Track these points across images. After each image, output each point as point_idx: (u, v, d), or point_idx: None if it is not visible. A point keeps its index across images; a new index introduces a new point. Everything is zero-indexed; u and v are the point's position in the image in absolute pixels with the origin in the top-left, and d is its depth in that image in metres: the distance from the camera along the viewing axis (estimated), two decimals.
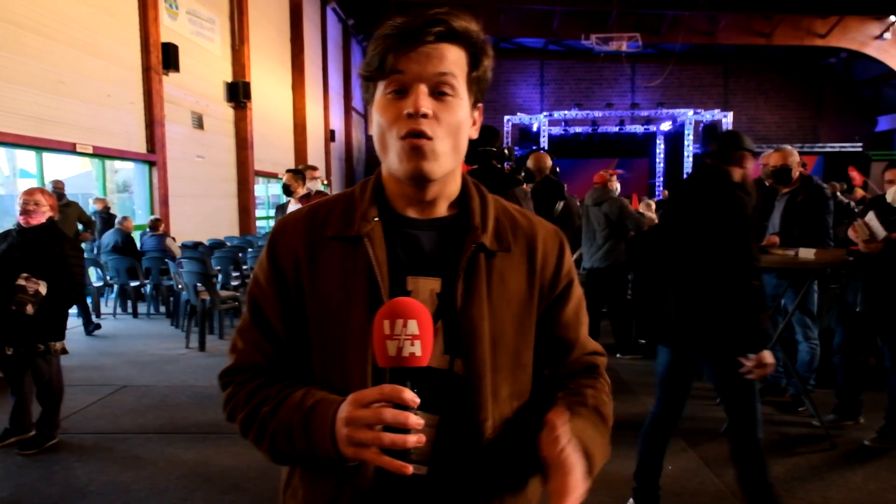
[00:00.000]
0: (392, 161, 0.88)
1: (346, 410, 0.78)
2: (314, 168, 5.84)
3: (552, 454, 0.82)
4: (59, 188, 6.68)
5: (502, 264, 0.94)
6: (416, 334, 0.76)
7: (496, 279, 0.92)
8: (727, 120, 17.24)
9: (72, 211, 6.77)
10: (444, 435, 0.89)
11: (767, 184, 4.91)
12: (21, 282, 3.33)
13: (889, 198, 3.50)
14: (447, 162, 0.88)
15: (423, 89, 0.85)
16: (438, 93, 0.86)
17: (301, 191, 5.30)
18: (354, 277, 0.89)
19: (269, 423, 0.87)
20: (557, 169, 4.08)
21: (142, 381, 4.91)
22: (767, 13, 16.10)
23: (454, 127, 0.87)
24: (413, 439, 0.74)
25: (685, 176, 17.35)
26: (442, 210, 0.95)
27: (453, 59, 0.87)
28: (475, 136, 0.96)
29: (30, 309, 3.33)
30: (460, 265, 0.90)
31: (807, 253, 3.51)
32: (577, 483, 0.81)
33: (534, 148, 11.99)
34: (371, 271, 0.88)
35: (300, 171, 5.48)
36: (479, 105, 0.96)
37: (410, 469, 0.75)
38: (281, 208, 6.03)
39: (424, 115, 0.84)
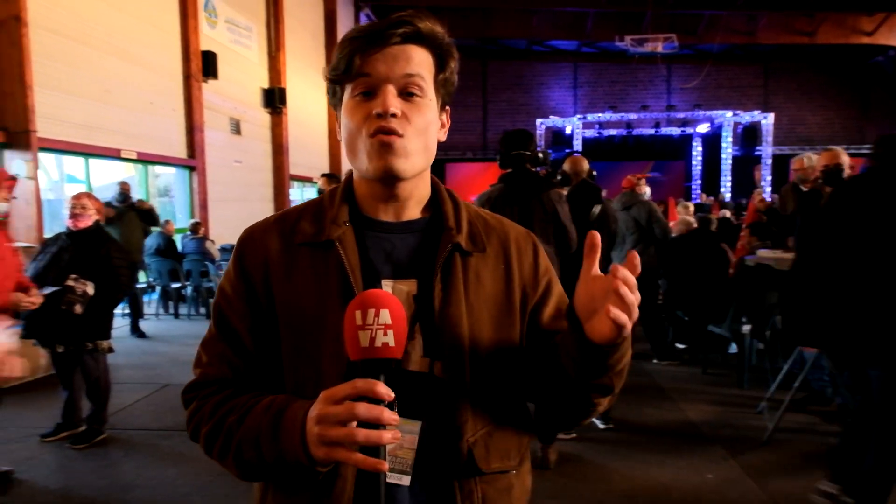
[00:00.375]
0: (362, 162, 0.87)
1: (317, 408, 0.75)
2: None
3: (597, 283, 0.76)
4: (125, 190, 6.81)
5: (478, 265, 0.93)
6: (388, 324, 0.74)
7: (472, 279, 0.91)
8: (767, 121, 16.83)
9: (135, 212, 6.89)
10: (427, 442, 0.86)
11: (804, 188, 4.78)
12: (70, 283, 3.46)
13: None
14: (417, 161, 0.88)
15: (392, 90, 0.85)
16: (406, 93, 0.86)
17: None
18: (327, 282, 0.87)
19: (236, 432, 0.83)
20: (594, 172, 4.04)
21: (184, 380, 4.96)
22: (810, 11, 15.66)
23: (423, 127, 0.87)
24: (388, 435, 0.71)
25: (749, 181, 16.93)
26: (414, 213, 0.95)
27: (420, 61, 0.87)
28: (443, 138, 0.95)
29: (78, 308, 3.46)
30: (437, 265, 0.89)
31: None
32: (633, 302, 0.73)
33: (567, 151, 11.90)
34: (344, 276, 0.86)
35: (335, 176, 5.55)
36: (447, 108, 0.96)
37: (386, 466, 0.72)
38: None
39: (394, 115, 0.83)
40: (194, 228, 8.33)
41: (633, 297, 0.73)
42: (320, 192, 5.50)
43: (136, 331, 6.76)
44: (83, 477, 3.29)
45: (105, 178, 8.69)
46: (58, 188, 9.08)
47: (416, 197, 0.94)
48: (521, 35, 17.26)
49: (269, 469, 0.81)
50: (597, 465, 3.39)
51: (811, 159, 4.79)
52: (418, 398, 0.86)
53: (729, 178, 17.00)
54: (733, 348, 5.27)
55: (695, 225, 5.79)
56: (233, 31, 10.56)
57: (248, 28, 11.14)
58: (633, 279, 0.74)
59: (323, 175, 5.67)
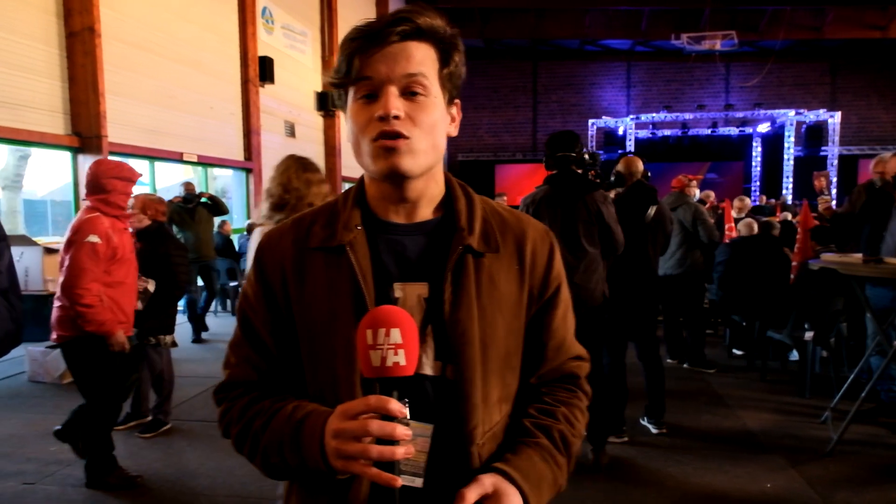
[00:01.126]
0: (368, 164, 0.87)
1: (333, 423, 0.78)
2: None
3: None
4: (190, 190, 7.08)
5: (491, 266, 0.91)
6: (399, 343, 0.74)
7: (485, 281, 0.90)
8: (834, 120, 16.06)
9: (205, 208, 7.13)
10: (439, 444, 0.86)
11: (878, 186, 4.55)
12: None
13: None
14: (424, 159, 0.86)
15: (394, 91, 0.83)
16: (410, 93, 0.84)
17: None
18: (340, 287, 0.87)
19: (262, 437, 0.87)
20: (649, 173, 3.96)
21: None
22: (882, 4, 14.85)
23: (429, 126, 0.85)
24: (401, 451, 0.72)
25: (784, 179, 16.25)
26: (426, 213, 0.93)
27: (421, 58, 0.84)
28: (454, 133, 0.93)
29: (139, 305, 3.64)
30: (447, 268, 0.88)
31: None
32: None
33: (620, 152, 11.69)
34: (355, 281, 0.86)
35: None
36: (457, 101, 0.93)
37: (399, 482, 0.73)
38: None
39: (396, 118, 0.82)
40: (250, 229, 8.59)
41: None
42: None
43: (198, 334, 6.90)
44: (152, 465, 3.46)
45: (167, 180, 9.08)
46: None
47: (427, 196, 0.92)
48: (574, 35, 17.02)
49: (294, 472, 0.85)
50: (649, 470, 3.32)
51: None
52: (430, 401, 0.87)
53: (791, 179, 16.31)
54: (794, 355, 5.07)
55: (756, 230, 5.60)
56: (288, 36, 10.87)
57: (304, 33, 11.44)
58: None
59: None
